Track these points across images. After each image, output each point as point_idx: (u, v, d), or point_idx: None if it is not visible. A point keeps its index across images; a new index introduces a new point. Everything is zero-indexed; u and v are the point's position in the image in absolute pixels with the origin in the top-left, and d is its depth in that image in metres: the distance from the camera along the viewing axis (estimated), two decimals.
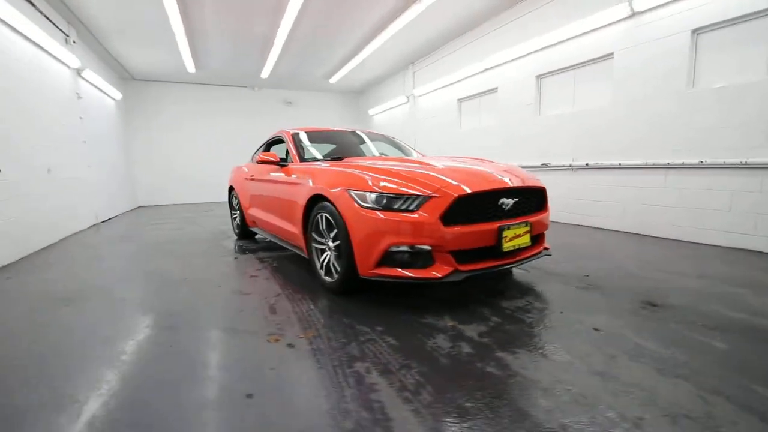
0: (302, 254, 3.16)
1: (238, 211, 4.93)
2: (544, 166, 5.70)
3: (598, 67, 4.93)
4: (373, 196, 2.33)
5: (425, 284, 2.82)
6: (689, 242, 4.02)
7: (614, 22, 4.57)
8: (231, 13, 6.02)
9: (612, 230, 4.84)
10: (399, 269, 2.29)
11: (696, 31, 3.87)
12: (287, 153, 3.92)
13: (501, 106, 6.53)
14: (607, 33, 4.69)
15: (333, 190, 2.52)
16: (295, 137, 3.81)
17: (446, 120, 8.10)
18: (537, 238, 2.71)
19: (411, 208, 2.26)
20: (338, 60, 8.81)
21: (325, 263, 2.77)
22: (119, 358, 1.85)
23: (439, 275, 2.23)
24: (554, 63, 5.45)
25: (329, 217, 2.60)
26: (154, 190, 10.49)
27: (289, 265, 3.62)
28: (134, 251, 4.45)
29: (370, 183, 2.39)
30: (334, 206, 2.52)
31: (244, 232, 4.82)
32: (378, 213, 2.28)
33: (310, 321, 2.26)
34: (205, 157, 10.91)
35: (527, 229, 2.50)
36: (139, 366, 1.78)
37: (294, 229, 3.20)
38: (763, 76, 3.47)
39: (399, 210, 2.27)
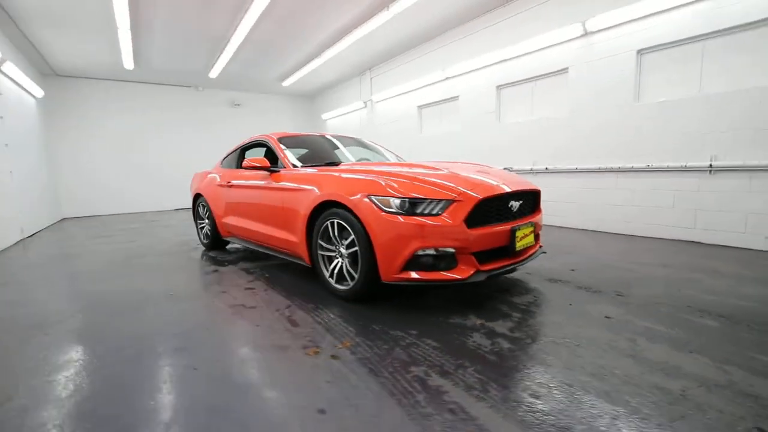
0: (302, 263, 3.06)
1: (207, 221, 4.60)
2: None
3: (555, 80, 5.41)
4: (397, 201, 2.34)
5: (440, 286, 2.88)
6: (642, 237, 4.57)
7: (569, 40, 5.06)
8: (189, 7, 5.61)
9: (573, 228, 5.32)
10: (424, 272, 2.32)
11: (641, 51, 4.44)
12: (270, 158, 3.78)
13: (463, 114, 6.86)
14: (562, 49, 5.18)
15: (352, 197, 2.47)
16: (283, 142, 3.67)
17: (406, 126, 8.29)
18: (535, 237, 2.91)
19: (435, 212, 2.31)
20: (295, 63, 8.61)
21: (335, 271, 2.71)
22: (149, 388, 1.65)
23: (463, 276, 2.30)
24: (514, 75, 5.87)
25: (343, 223, 2.56)
26: (82, 200, 9.31)
27: (281, 274, 3.46)
28: (91, 269, 3.93)
29: (391, 188, 2.40)
30: (352, 213, 2.48)
31: (216, 242, 4.51)
32: (403, 218, 2.30)
33: (339, 330, 2.20)
34: (142, 163, 9.95)
35: (532, 228, 2.69)
36: (175, 394, 1.61)
37: (292, 237, 3.09)
38: (697, 93, 4.08)
39: (422, 214, 2.31)
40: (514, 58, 5.80)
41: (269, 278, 3.34)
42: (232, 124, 11.13)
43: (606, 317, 2.29)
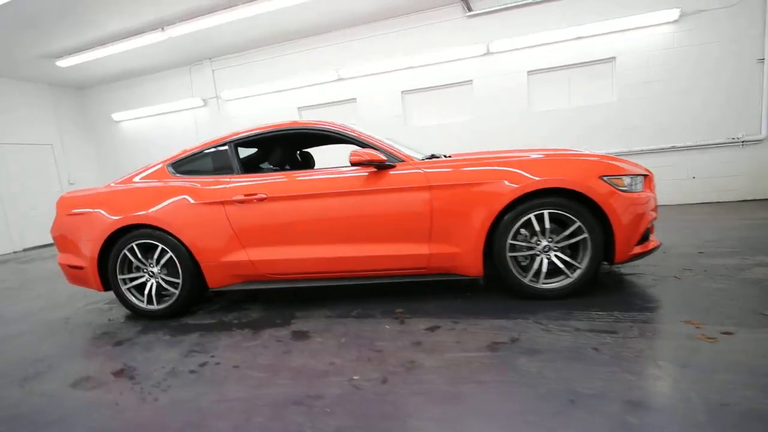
0: (461, 277, 2.46)
1: (160, 269, 2.69)
2: None
3: (461, 89, 6.26)
4: (628, 179, 2.35)
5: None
6: None
7: (474, 57, 6.00)
8: None
9: None
10: (644, 245, 2.45)
11: (530, 72, 5.86)
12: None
13: (362, 117, 6.73)
14: (467, 63, 6.07)
15: (584, 181, 2.25)
16: (360, 132, 2.69)
17: None
18: None
19: (639, 187, 2.47)
20: (100, 35, 5.89)
21: (543, 269, 2.37)
22: None
23: (658, 244, 2.58)
24: (420, 82, 6.35)
25: (560, 212, 2.30)
26: None
27: (415, 305, 2.55)
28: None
29: (616, 168, 2.36)
30: (579, 197, 2.28)
31: (190, 300, 2.72)
32: (635, 195, 2.34)
33: (649, 321, 2.03)
34: None
35: None
36: None
37: (449, 248, 2.41)
38: (566, 105, 5.82)
39: (634, 191, 2.43)
40: (420, 66, 6.27)
41: (416, 312, 2.42)
42: None
43: (699, 252, 3.13)
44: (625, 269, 2.88)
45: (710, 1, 4.92)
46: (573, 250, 2.42)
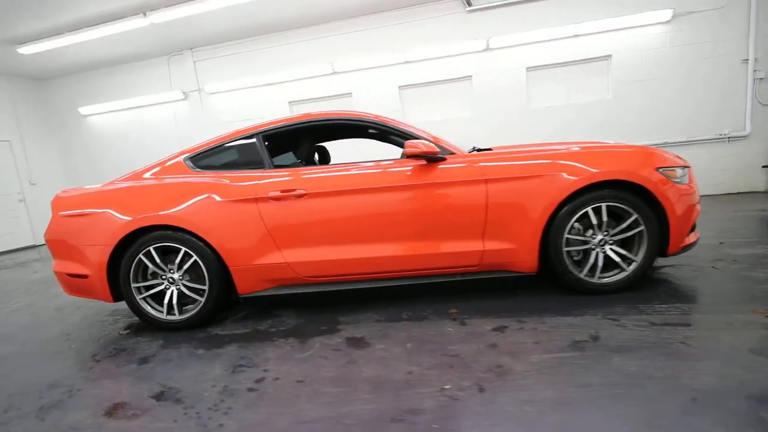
0: (516, 273, 2.37)
1: (182, 274, 2.42)
2: None
3: (459, 85, 6.20)
4: (680, 170, 2.34)
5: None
6: None
7: (473, 52, 5.96)
8: None
9: None
10: (691, 236, 2.47)
11: (529, 69, 5.90)
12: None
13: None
14: (466, 59, 6.03)
15: (641, 172, 2.22)
16: (405, 123, 2.54)
17: None
18: None
19: (686, 179, 2.48)
20: (70, 21, 5.34)
21: (599, 263, 2.32)
22: None
23: (698, 237, 2.61)
24: (418, 77, 6.24)
25: (617, 204, 2.26)
26: None
27: (471, 303, 2.44)
28: None
29: (669, 159, 2.34)
30: (646, 189, 2.23)
31: (215, 309, 2.47)
32: (686, 186, 2.34)
33: (713, 314, 2.02)
34: None
35: None
36: None
37: (503, 244, 2.32)
38: (564, 102, 5.91)
39: (684, 182, 2.43)
40: (418, 60, 6.16)
41: (472, 311, 2.30)
42: None
43: (720, 243, 3.22)
44: (659, 261, 2.91)
45: (701, 2, 5.14)
46: (624, 244, 2.39)
